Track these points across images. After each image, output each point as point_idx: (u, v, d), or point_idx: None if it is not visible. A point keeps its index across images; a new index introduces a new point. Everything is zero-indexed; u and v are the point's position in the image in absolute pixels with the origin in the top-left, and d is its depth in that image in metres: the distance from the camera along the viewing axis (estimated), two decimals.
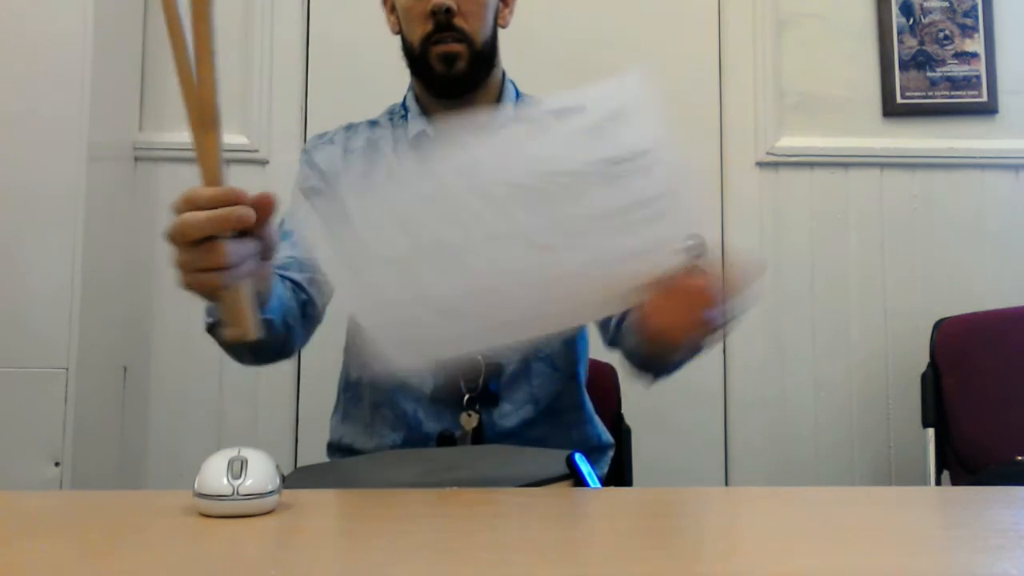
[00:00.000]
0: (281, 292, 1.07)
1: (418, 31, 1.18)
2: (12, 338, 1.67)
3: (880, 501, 0.73)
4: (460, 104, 1.23)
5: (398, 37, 1.26)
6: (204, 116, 0.80)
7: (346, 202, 1.18)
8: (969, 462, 1.80)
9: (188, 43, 0.78)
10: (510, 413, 1.22)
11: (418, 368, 1.22)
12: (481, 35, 1.19)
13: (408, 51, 1.22)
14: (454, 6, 1.16)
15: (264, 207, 0.83)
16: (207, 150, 0.81)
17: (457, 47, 1.17)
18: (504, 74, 1.29)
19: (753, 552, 0.57)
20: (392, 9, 1.26)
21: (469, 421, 1.20)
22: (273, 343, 1.08)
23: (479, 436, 1.20)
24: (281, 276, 1.13)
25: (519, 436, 1.22)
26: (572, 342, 1.27)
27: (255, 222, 0.81)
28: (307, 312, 1.17)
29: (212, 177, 0.81)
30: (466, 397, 1.20)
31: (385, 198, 0.72)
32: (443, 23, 1.16)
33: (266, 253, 0.86)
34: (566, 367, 1.27)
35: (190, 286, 0.80)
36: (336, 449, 1.31)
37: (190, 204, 0.79)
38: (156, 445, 1.96)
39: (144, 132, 2.02)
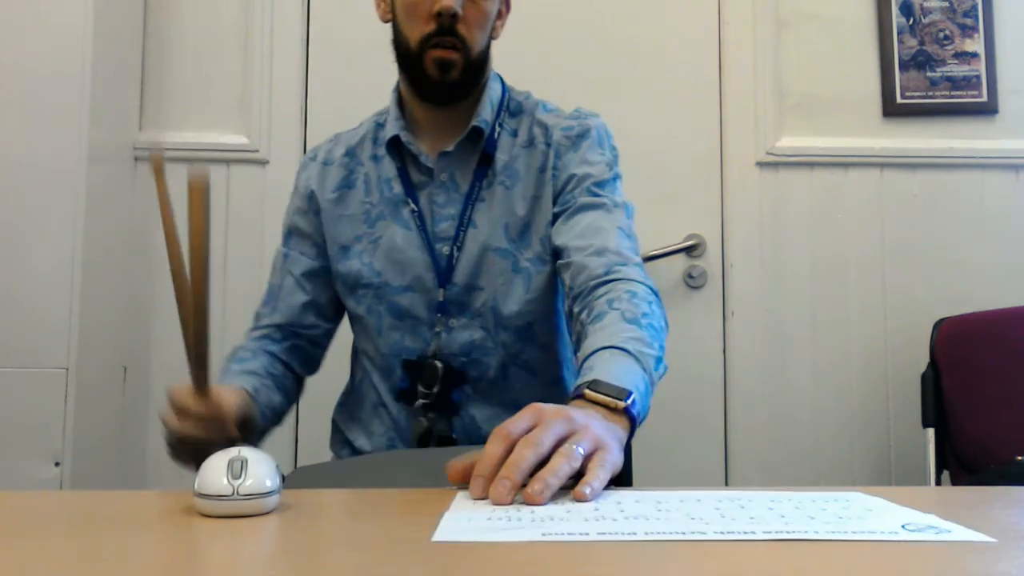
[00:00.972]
0: (266, 400, 1.19)
1: (419, 29, 1.16)
2: (12, 338, 1.67)
3: (884, 501, 0.73)
4: (443, 107, 1.23)
5: (388, 26, 1.25)
6: (200, 362, 1.03)
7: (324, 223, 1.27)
8: (969, 462, 1.80)
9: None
10: (490, 419, 1.19)
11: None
12: (478, 45, 1.19)
13: (401, 45, 1.20)
14: (460, 12, 1.15)
15: (246, 423, 1.06)
16: (200, 381, 1.01)
17: (454, 55, 1.16)
18: (489, 76, 1.27)
19: (752, 552, 0.57)
20: None
21: (417, 426, 1.19)
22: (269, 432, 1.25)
23: (425, 442, 1.18)
24: (265, 351, 1.27)
25: None
26: (551, 347, 1.26)
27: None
28: (296, 376, 1.30)
29: (202, 390, 1.01)
30: (420, 402, 1.19)
31: None
32: (446, 27, 1.15)
33: (248, 431, 1.07)
34: (547, 373, 1.25)
35: (176, 460, 1.02)
36: (338, 441, 1.32)
37: (181, 413, 0.99)
38: (156, 445, 1.96)
39: (144, 132, 2.02)
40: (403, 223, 1.23)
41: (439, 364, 1.19)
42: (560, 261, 1.16)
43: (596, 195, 1.17)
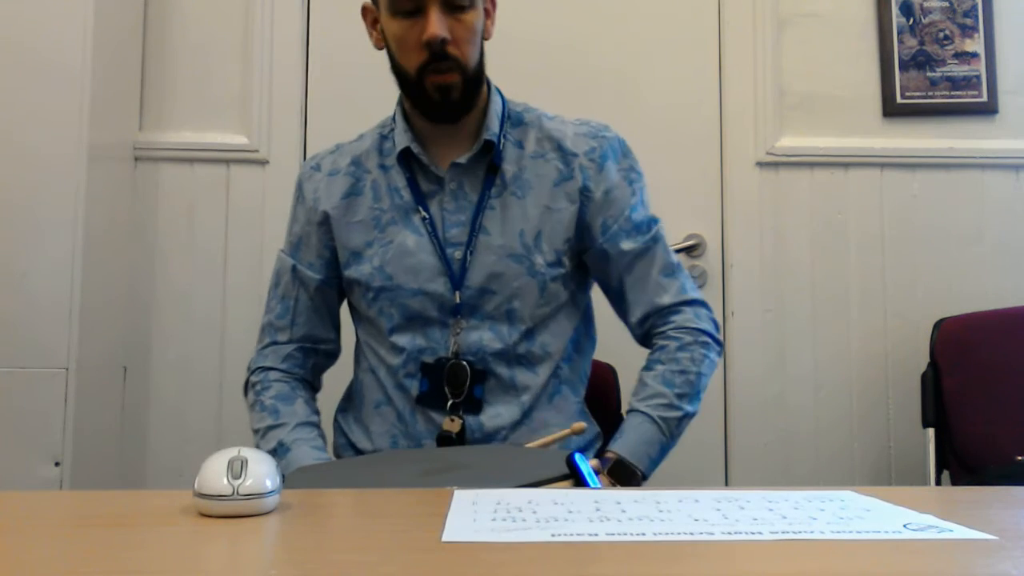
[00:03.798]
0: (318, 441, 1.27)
1: (413, 60, 1.20)
2: (12, 338, 1.67)
3: (880, 501, 0.73)
4: (450, 124, 1.26)
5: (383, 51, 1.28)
6: None
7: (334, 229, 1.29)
8: (969, 462, 1.80)
9: None
10: (496, 416, 1.23)
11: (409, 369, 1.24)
12: (472, 60, 1.22)
13: (401, 76, 1.24)
14: (448, 36, 1.17)
15: None
16: None
17: (452, 77, 1.19)
18: (489, 85, 1.30)
19: (759, 552, 0.57)
20: (374, 23, 1.27)
21: (452, 425, 1.21)
22: None
23: (461, 440, 1.21)
24: (297, 380, 1.33)
25: (503, 439, 1.23)
26: (553, 344, 1.28)
27: None
28: (319, 383, 1.38)
29: None
30: (450, 402, 1.22)
31: None
32: (438, 53, 1.18)
33: None
34: (546, 367, 1.27)
35: None
36: (340, 443, 1.34)
37: None
38: (156, 445, 1.96)
39: (144, 132, 2.02)
40: (414, 229, 1.26)
41: (465, 363, 1.22)
42: (624, 305, 1.31)
43: (638, 232, 1.28)
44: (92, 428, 1.77)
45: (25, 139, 1.70)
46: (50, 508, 0.77)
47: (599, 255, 1.28)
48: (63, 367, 1.68)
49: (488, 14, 1.27)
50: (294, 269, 1.33)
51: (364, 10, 1.28)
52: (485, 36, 1.26)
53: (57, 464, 1.66)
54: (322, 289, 1.32)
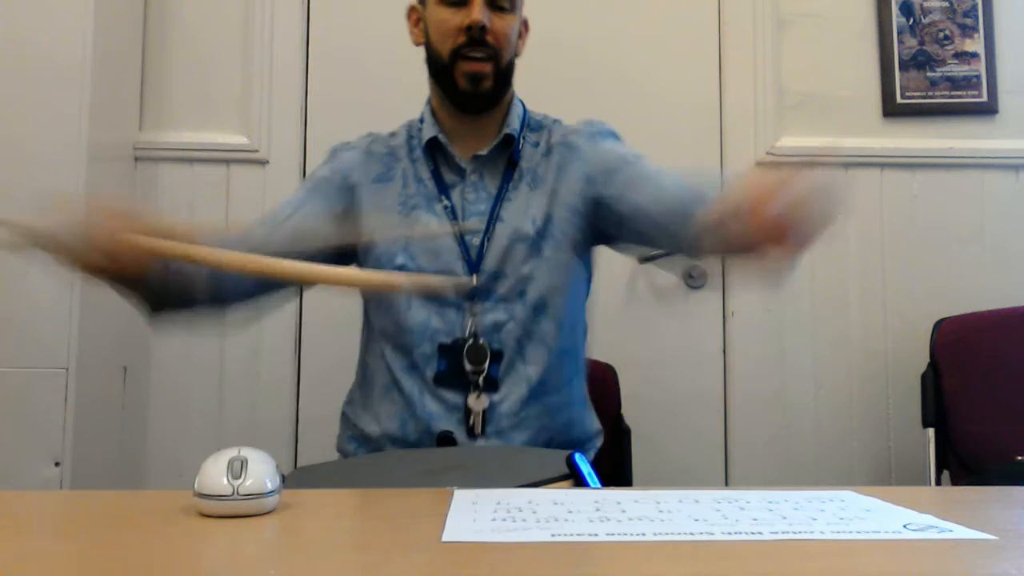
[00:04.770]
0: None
1: (449, 43, 1.26)
2: (12, 338, 1.67)
3: (880, 501, 0.73)
4: (473, 117, 1.33)
5: (409, 46, 1.34)
6: None
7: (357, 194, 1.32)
8: (969, 462, 1.80)
9: None
10: (507, 396, 1.26)
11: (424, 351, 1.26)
12: (506, 56, 1.30)
13: (434, 62, 1.31)
14: (488, 24, 1.25)
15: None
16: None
17: (485, 66, 1.26)
18: (513, 93, 1.38)
19: (759, 552, 0.57)
20: (417, 22, 1.35)
21: (479, 403, 1.24)
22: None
23: (485, 419, 1.24)
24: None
25: (513, 415, 1.25)
26: (561, 321, 1.31)
27: None
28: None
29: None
30: (473, 380, 1.25)
31: None
32: (477, 38, 1.25)
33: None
34: (556, 345, 1.30)
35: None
36: (346, 436, 1.34)
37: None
38: (156, 445, 1.96)
39: (144, 132, 2.02)
40: (436, 215, 1.31)
41: (484, 342, 1.26)
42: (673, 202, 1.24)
43: (643, 159, 1.32)
44: (92, 428, 1.77)
45: (25, 139, 1.70)
46: (50, 508, 0.77)
47: (624, 185, 1.28)
48: (63, 367, 1.68)
49: (521, 35, 1.35)
50: (303, 202, 1.32)
51: (410, 9, 1.36)
52: (516, 51, 1.34)
53: (57, 464, 1.66)
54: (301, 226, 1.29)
